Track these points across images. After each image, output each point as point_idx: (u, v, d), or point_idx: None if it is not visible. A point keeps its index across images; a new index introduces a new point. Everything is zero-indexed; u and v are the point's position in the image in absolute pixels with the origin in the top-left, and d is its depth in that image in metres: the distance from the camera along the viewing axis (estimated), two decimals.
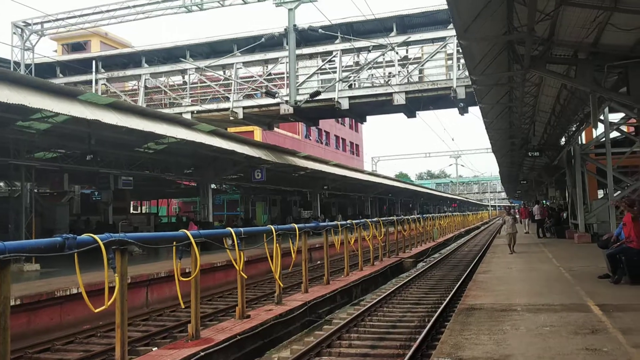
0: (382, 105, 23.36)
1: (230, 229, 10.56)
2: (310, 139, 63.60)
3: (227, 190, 41.65)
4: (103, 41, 39.05)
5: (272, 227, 12.33)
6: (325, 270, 16.16)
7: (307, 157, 29.04)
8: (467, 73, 21.12)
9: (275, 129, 53.99)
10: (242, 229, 10.97)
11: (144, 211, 48.39)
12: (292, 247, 13.49)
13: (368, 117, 28.54)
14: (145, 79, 25.22)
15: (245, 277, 10.89)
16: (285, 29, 16.21)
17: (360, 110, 24.61)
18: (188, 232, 9.15)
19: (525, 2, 7.34)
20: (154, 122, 15.97)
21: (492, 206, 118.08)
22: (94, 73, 25.43)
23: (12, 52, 21.30)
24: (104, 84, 25.93)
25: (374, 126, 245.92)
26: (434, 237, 35.16)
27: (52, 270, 16.63)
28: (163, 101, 25.45)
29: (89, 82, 25.77)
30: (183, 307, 10.11)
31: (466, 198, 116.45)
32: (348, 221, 19.59)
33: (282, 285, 12.63)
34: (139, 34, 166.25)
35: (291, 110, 22.80)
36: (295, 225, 13.72)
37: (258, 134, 48.46)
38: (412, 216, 31.88)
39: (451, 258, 26.27)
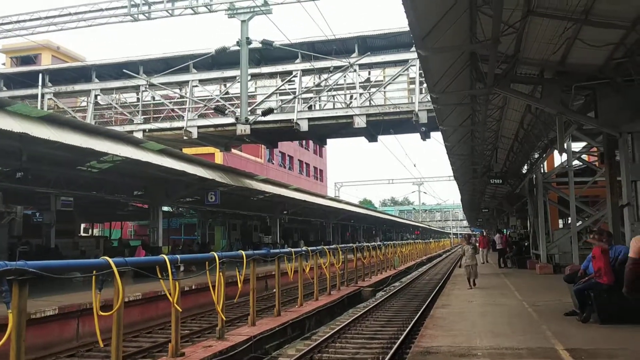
0: (342, 128, 22.61)
1: (164, 256, 9.42)
2: (273, 163, 62.60)
3: (184, 213, 40.13)
4: (55, 55, 37.50)
5: (215, 254, 11.24)
6: (276, 300, 15.03)
7: (266, 181, 28.01)
8: (429, 97, 20.66)
9: (237, 152, 53.27)
10: (178, 257, 9.83)
11: (96, 234, 46.37)
12: (239, 275, 12.41)
13: (331, 141, 27.83)
14: (95, 95, 23.94)
15: (180, 309, 9.72)
16: (237, 41, 15.28)
17: (320, 132, 23.81)
18: (110, 260, 7.98)
19: (490, 10, 6.57)
20: (94, 139, 14.77)
21: (454, 234, 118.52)
22: (39, 87, 24.02)
23: None
24: (51, 99, 24.52)
25: (338, 151, 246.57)
26: (395, 265, 34.34)
27: None
28: (113, 118, 24.16)
29: (35, 97, 24.33)
30: (102, 346, 8.87)
31: (429, 225, 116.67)
32: (303, 248, 18.57)
33: (224, 318, 11.47)
34: (92, 49, 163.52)
35: (248, 130, 21.78)
36: (243, 252, 12.64)
37: (219, 156, 47.20)
38: (373, 243, 30.97)
39: (411, 287, 25.42)
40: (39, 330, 12.38)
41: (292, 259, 16.24)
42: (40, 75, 24.43)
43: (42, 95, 24.23)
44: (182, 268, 21.72)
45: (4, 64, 37.77)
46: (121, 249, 27.24)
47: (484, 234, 39.76)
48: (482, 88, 9.13)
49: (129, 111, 24.07)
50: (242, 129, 21.84)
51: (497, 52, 8.33)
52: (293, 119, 21.11)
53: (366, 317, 16.26)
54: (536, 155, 17.90)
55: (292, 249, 16.37)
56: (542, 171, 19.57)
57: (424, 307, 16.80)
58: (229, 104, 22.01)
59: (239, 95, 22.35)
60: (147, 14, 18.17)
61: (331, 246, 21.15)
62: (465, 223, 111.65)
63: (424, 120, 20.60)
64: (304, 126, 21.35)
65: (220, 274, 11.47)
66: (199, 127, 22.57)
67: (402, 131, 23.77)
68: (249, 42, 14.93)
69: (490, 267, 25.67)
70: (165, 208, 36.65)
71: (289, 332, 14.19)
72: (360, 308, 18.80)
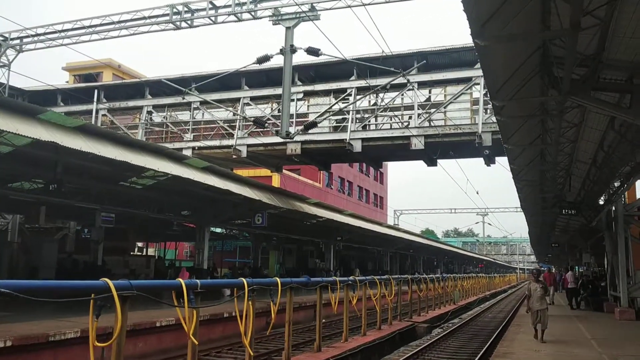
0: (398, 149, 21.22)
1: (180, 280, 8.32)
2: (332, 188, 61.50)
3: (238, 236, 39.49)
4: (115, 73, 38.24)
5: (244, 280, 10.08)
6: (316, 334, 13.66)
7: (318, 204, 26.84)
8: (494, 119, 19.00)
9: (295, 175, 52.54)
10: (198, 282, 8.71)
11: (151, 253, 46.50)
12: (272, 305, 11.17)
13: (392, 169, 26.48)
14: (147, 111, 23.69)
15: (197, 342, 8.57)
16: (281, 49, 14.34)
17: (375, 154, 22.51)
18: (110, 282, 6.94)
19: None
20: (132, 152, 14.06)
21: (520, 269, 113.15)
22: (95, 103, 24.02)
23: None
24: (105, 115, 24.46)
25: (399, 179, 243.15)
26: (454, 300, 32.22)
27: (6, 315, 14.52)
28: (164, 135, 23.79)
29: (91, 113, 24.36)
30: None
31: (494, 259, 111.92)
32: (351, 277, 17.17)
33: (252, 353, 10.23)
34: (148, 68, 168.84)
35: (298, 150, 20.83)
36: (278, 279, 11.42)
37: (276, 179, 46.62)
38: (430, 275, 29.10)
39: (471, 325, 23.42)
40: None
41: (336, 289, 14.87)
42: (96, 92, 24.49)
43: (97, 111, 24.21)
44: (227, 293, 20.77)
45: (67, 82, 38.77)
46: (166, 270, 26.66)
47: (552, 270, 36.74)
48: (555, 95, 7.65)
49: (179, 128, 23.63)
50: (292, 149, 20.90)
51: (576, 52, 6.85)
52: (346, 139, 19.95)
53: (417, 358, 14.65)
54: (617, 184, 15.89)
55: (338, 278, 14.99)
56: (623, 202, 17.46)
57: (484, 350, 14.98)
58: (278, 122, 21.12)
59: (292, 114, 21.48)
60: (189, 22, 17.61)
61: (383, 276, 19.58)
62: (533, 258, 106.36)
63: (488, 143, 18.94)
64: (357, 147, 20.14)
65: (250, 303, 10.32)
66: (248, 145, 21.78)
67: (463, 154, 22.11)
68: (293, 50, 14.01)
69: (560, 309, 23.32)
70: (217, 229, 36.25)
71: None
72: (412, 347, 17.17)
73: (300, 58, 21.79)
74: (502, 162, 21.25)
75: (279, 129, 18.84)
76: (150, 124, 23.75)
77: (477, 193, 33.93)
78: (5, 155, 13.63)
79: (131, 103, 24.39)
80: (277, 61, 17.71)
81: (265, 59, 13.88)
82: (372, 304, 18.57)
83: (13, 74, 20.40)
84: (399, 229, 47.03)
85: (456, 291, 33.34)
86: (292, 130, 21.43)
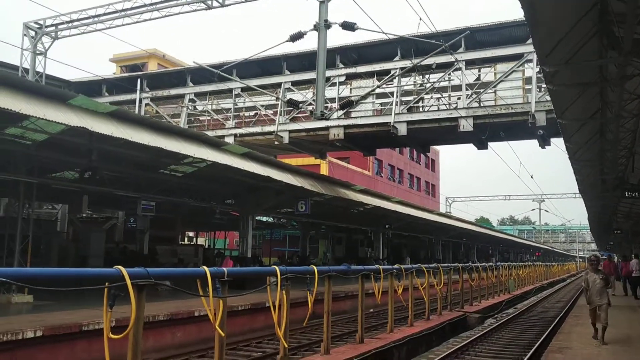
0: (446, 132, 20.23)
1: (205, 268, 7.84)
2: (381, 176, 60.54)
3: (286, 225, 39.25)
4: (160, 63, 38.48)
5: (277, 268, 9.55)
6: (359, 325, 13.04)
7: (365, 191, 26.12)
8: (548, 97, 17.76)
9: (344, 163, 51.87)
10: (225, 269, 8.22)
11: (202, 243, 46.92)
12: (309, 295, 10.59)
13: (443, 156, 25.45)
14: (190, 99, 23.52)
15: (223, 334, 8.08)
16: (314, 25, 13.53)
17: (421, 137, 21.56)
18: (123, 270, 6.50)
19: None
20: (167, 138, 13.75)
21: (580, 257, 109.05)
22: (138, 92, 24.04)
23: (21, 55, 19.97)
24: (148, 104, 24.46)
25: (451, 164, 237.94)
26: (509, 289, 30.94)
27: (46, 304, 14.53)
28: (206, 123, 23.59)
29: (134, 102, 24.41)
30: None
31: (551, 247, 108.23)
32: (395, 265, 16.44)
33: (286, 345, 9.72)
34: (189, 57, 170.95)
35: (341, 134, 20.16)
36: (315, 268, 10.83)
37: (324, 167, 46.12)
38: (483, 264, 27.97)
39: (526, 316, 22.28)
40: None
41: (380, 278, 14.18)
42: (139, 81, 24.50)
43: (140, 100, 24.23)
44: (273, 280, 20.37)
45: (114, 73, 39.34)
46: (214, 259, 26.54)
47: (612, 258, 34.42)
48: (615, 57, 6.71)
49: (222, 116, 23.34)
50: (335, 133, 20.26)
51: (638, 7, 5.92)
52: (390, 122, 19.12)
53: (467, 350, 13.81)
54: None
55: (381, 267, 14.28)
56: None
57: (539, 343, 13.98)
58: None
59: (333, 97, 20.82)
60: (221, 1, 17.14)
61: (431, 265, 18.75)
62: (593, 246, 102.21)
63: (541, 123, 17.74)
64: (402, 130, 19.28)
65: (284, 292, 9.78)
66: (290, 131, 21.26)
67: (515, 136, 20.89)
68: (327, 25, 13.28)
69: (622, 299, 21.84)
70: (264, 218, 36.09)
71: None
72: (462, 338, 16.29)
73: (341, 39, 21.17)
74: (558, 143, 20.00)
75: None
76: (192, 111, 23.58)
77: (532, 177, 32.36)
78: (41, 143, 13.54)
79: (173, 91, 24.28)
80: (314, 41, 17.09)
81: (299, 36, 13.24)
82: (421, 294, 17.81)
83: (59, 65, 20.61)
84: (450, 217, 45.73)
85: (511, 280, 32.04)
86: (334, 114, 20.82)
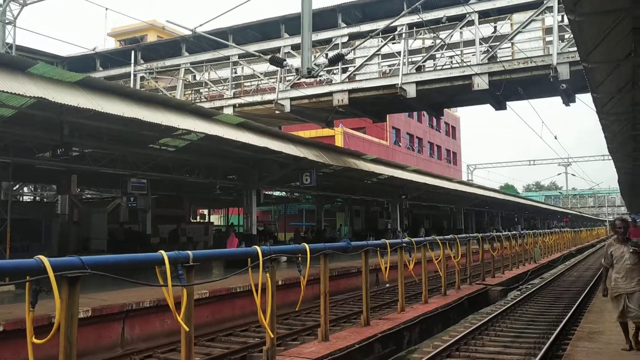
0: (459, 92, 18.69)
1: (163, 253, 6.64)
2: (400, 146, 58.80)
3: (300, 198, 38.03)
4: (160, 35, 37.08)
5: (258, 248, 8.34)
6: (363, 305, 11.86)
7: (377, 161, 24.72)
8: (571, 48, 16.05)
9: (360, 134, 50.34)
10: (190, 253, 7.02)
11: (215, 220, 46.13)
12: (302, 277, 9.39)
13: (464, 122, 23.90)
14: (185, 69, 22.24)
15: (187, 329, 6.90)
16: None
17: (432, 99, 20.02)
18: (45, 261, 5.30)
19: None
20: (145, 108, 12.51)
21: (610, 222, 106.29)
22: (132, 65, 22.81)
23: None
24: (144, 77, 23.24)
25: (472, 132, 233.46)
26: (535, 258, 29.58)
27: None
28: (204, 94, 22.33)
29: (130, 76, 23.22)
30: None
31: (579, 212, 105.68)
32: (405, 239, 15.19)
33: (272, 335, 8.54)
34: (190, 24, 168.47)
35: (346, 100, 18.75)
36: (307, 246, 9.60)
37: (339, 139, 44.78)
38: (506, 232, 26.58)
39: (554, 286, 20.95)
40: None
41: (386, 253, 12.93)
42: (133, 53, 23.26)
43: (135, 74, 23.03)
44: (284, 259, 19.19)
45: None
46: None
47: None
48: None
49: (220, 87, 22.03)
50: (339, 99, 18.86)
51: None
52: (397, 84, 17.62)
53: (486, 330, 12.55)
54: None
55: (388, 241, 13.02)
56: None
57: (566, 319, 12.66)
58: (325, 72, 19.09)
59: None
60: None
61: (446, 237, 17.46)
62: (623, 209, 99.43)
63: (565, 77, 16.08)
64: (411, 92, 17.76)
65: (269, 274, 8.59)
66: (291, 99, 19.87)
67: (536, 93, 19.18)
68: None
69: None
70: (277, 193, 34.96)
71: (377, 349, 10.98)
72: (482, 314, 15.05)
73: None
74: (585, 99, 18.34)
75: (322, 77, 16.82)
76: (188, 83, 22.34)
77: (556, 138, 30.51)
78: (10, 119, 12.44)
79: (168, 62, 22.99)
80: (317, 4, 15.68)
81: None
82: (439, 268, 16.56)
83: (53, 42, 19.37)
84: (471, 185, 44.11)
85: (537, 248, 30.67)
86: (337, 78, 19.39)
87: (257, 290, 8.17)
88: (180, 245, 27.06)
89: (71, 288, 5.55)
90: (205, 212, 42.81)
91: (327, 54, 16.33)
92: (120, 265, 6.09)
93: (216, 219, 47.71)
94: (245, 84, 22.23)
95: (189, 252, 7.07)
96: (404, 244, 13.88)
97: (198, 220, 39.07)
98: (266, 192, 31.49)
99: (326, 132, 41.52)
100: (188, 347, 7.03)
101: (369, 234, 37.63)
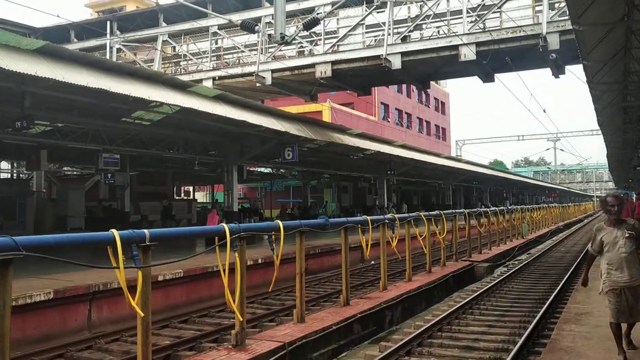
0: (446, 63, 18.01)
1: (114, 231, 6.04)
2: (388, 121, 58.16)
3: (286, 174, 37.48)
4: (139, 5, 35.95)
5: (225, 226, 7.76)
6: (343, 285, 11.37)
7: (362, 136, 24.16)
8: (561, 17, 15.42)
9: (348, 109, 49.61)
10: (147, 232, 6.44)
11: (200, 198, 45.52)
12: (275, 256, 8.85)
13: (453, 98, 23.24)
14: (163, 40, 21.36)
15: (142, 314, 6.33)
16: None
17: (418, 71, 19.32)
18: None
19: None
20: (113, 78, 11.81)
21: (597, 197, 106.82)
22: (108, 35, 21.90)
23: None
24: (121, 49, 22.33)
25: (462, 108, 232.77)
26: (523, 234, 29.33)
27: None
28: (183, 67, 21.53)
29: (105, 47, 22.31)
30: None
31: (568, 187, 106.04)
32: (388, 215, 14.66)
33: (241, 319, 8.02)
34: None
35: (329, 72, 18.06)
36: (280, 223, 9.04)
37: (327, 114, 44.12)
38: (493, 208, 26.27)
39: (541, 263, 20.62)
40: None
41: (367, 230, 12.44)
42: (109, 24, 22.31)
43: (111, 46, 22.12)
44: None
45: None
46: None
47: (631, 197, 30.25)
48: None
49: (199, 58, 21.21)
50: (322, 71, 18.18)
51: None
52: (382, 55, 16.93)
53: (470, 309, 12.13)
54: None
55: (370, 217, 12.52)
56: None
57: (553, 296, 12.26)
58: (307, 42, 18.36)
59: (319, 31, 18.63)
60: None
61: (431, 212, 17.01)
62: (611, 185, 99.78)
63: (554, 46, 15.46)
64: (397, 63, 17.09)
65: (238, 255, 8.05)
66: (272, 71, 19.13)
67: (525, 65, 18.54)
68: None
69: None
70: (261, 169, 34.34)
71: (356, 330, 10.51)
72: (468, 292, 14.65)
73: None
74: (575, 70, 17.79)
75: (304, 49, 16.10)
76: (166, 55, 21.52)
77: (545, 111, 30.03)
78: None
79: (145, 32, 22.09)
80: None
81: None
82: (422, 244, 16.12)
83: (27, 11, 18.37)
84: (459, 160, 43.68)
85: (524, 224, 30.39)
86: (320, 49, 18.68)
87: (224, 271, 7.63)
88: (160, 224, 26.54)
89: (2, 272, 4.96)
90: (190, 189, 42.10)
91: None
92: (61, 245, 5.48)
93: (202, 196, 47.10)
94: (225, 56, 21.45)
95: (146, 230, 6.49)
96: (387, 221, 13.34)
97: (182, 197, 38.41)
98: (250, 169, 30.91)
99: (313, 107, 40.85)
100: (145, 334, 6.48)
101: (357, 211, 37.25)
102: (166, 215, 27.75)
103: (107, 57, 21.62)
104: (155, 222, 26.19)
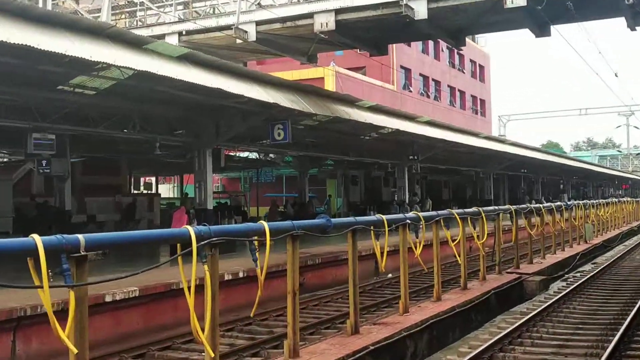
0: (487, 12, 17.72)
1: (35, 236, 5.75)
2: (411, 91, 58.16)
3: (277, 161, 37.27)
4: None
5: (191, 230, 7.46)
6: (350, 306, 11.12)
7: (377, 109, 23.96)
8: None
9: (358, 75, 49.48)
10: (82, 237, 6.15)
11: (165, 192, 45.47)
12: (259, 268, 8.58)
13: (495, 60, 22.95)
14: None
15: (75, 350, 6.06)
16: None
17: (450, 22, 19.07)
18: None
19: None
20: (45, 33, 11.58)
21: None
22: None
23: None
24: None
25: (506, 72, 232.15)
26: (586, 237, 29.28)
27: None
28: (140, 18, 21.39)
29: None
30: None
31: None
32: (410, 213, 14.44)
33: (212, 354, 7.72)
34: None
35: (332, 24, 17.82)
36: (265, 224, 8.75)
37: (330, 81, 43.92)
38: (548, 204, 26.23)
39: (610, 275, 20.70)
40: None
41: (383, 233, 12.22)
42: None
43: None
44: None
45: None
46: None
47: None
48: None
49: (160, 7, 21.06)
50: (322, 22, 17.94)
51: None
52: (402, 1, 16.71)
53: (518, 337, 11.91)
54: None
55: (385, 217, 12.29)
56: None
57: (627, 321, 12.06)
58: None
59: None
60: None
61: (467, 210, 16.90)
62: None
63: None
64: (421, 11, 16.80)
65: (208, 267, 7.74)
66: (257, 22, 18.96)
67: (592, 13, 18.34)
68: None
69: None
70: (246, 154, 34.25)
71: None
72: (515, 315, 14.55)
73: None
74: None
75: None
76: (118, 5, 21.35)
77: (616, 75, 29.85)
78: None
79: None
80: None
81: None
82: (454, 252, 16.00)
83: None
84: (503, 142, 43.46)
85: (588, 224, 30.36)
86: None
87: (189, 289, 7.34)
88: (113, 224, 26.40)
89: None
90: (153, 180, 42.12)
91: None
92: None
93: (167, 190, 47.09)
94: (195, 4, 21.31)
95: (80, 235, 6.20)
96: (409, 221, 13.12)
97: (142, 191, 38.37)
98: (230, 153, 30.75)
99: (313, 72, 40.76)
100: None
101: (369, 208, 37.20)
102: (128, 216, 27.69)
103: (40, 4, 21.39)
104: (105, 223, 26.06)
